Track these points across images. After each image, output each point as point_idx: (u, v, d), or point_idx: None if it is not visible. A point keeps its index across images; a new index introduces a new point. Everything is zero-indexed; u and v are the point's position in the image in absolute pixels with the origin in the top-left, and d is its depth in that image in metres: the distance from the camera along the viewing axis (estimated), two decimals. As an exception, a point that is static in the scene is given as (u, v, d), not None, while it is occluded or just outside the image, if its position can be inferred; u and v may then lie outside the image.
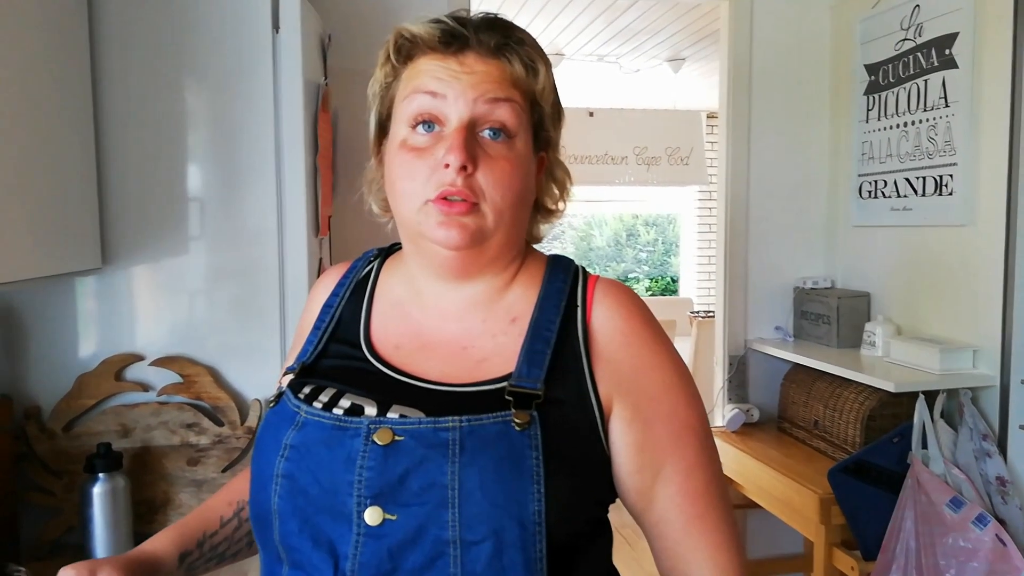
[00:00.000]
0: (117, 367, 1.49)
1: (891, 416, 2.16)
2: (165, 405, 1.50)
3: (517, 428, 0.70)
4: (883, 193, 2.50)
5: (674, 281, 8.33)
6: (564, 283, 0.82)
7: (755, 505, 2.52)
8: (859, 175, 2.60)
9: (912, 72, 2.36)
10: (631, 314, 0.80)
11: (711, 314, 4.71)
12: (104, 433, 1.47)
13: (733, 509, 0.83)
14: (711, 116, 6.05)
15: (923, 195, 2.33)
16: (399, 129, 0.78)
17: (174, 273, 1.52)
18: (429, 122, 0.76)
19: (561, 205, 0.87)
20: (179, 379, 1.51)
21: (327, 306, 0.87)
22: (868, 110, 2.56)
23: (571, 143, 4.82)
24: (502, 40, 0.77)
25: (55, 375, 1.49)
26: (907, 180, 2.39)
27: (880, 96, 2.51)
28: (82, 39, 1.42)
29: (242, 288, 1.54)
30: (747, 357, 2.73)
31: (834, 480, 2.02)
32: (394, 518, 0.69)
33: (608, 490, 0.79)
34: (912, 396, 2.08)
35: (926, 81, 2.31)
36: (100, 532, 1.37)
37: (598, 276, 0.84)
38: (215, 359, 1.54)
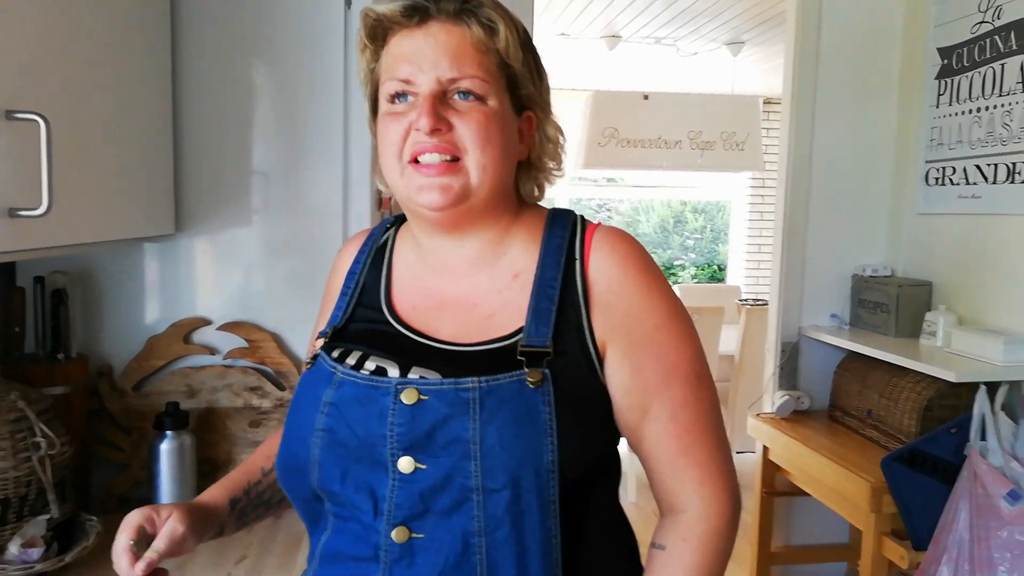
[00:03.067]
0: (186, 330, 1.54)
1: (950, 407, 2.12)
2: (230, 368, 1.55)
3: (531, 386, 0.76)
4: (951, 180, 2.43)
5: (721, 269, 8.22)
6: (563, 238, 0.86)
7: (801, 492, 2.50)
8: (927, 161, 2.53)
9: (988, 56, 2.29)
10: (624, 260, 0.84)
11: (760, 302, 4.65)
12: (172, 393, 1.52)
13: (726, 443, 0.86)
14: (768, 102, 5.93)
15: (994, 183, 2.26)
16: (382, 106, 0.84)
17: (242, 242, 1.56)
18: (404, 93, 0.81)
19: (552, 164, 0.90)
20: (244, 344, 1.55)
21: (351, 273, 0.93)
22: (939, 95, 2.48)
23: (624, 126, 4.80)
24: (461, 5, 0.81)
25: (126, 336, 1.55)
26: (977, 167, 2.32)
27: (953, 80, 2.43)
28: (164, 15, 1.46)
29: (306, 260, 1.58)
30: (800, 344, 2.69)
31: (887, 469, 1.99)
32: (424, 467, 0.76)
33: (615, 427, 0.85)
34: (972, 387, 2.03)
35: (1003, 65, 2.23)
36: (166, 487, 1.42)
37: (598, 224, 0.87)
38: (278, 326, 1.58)
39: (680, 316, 0.84)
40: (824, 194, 2.67)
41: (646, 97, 4.80)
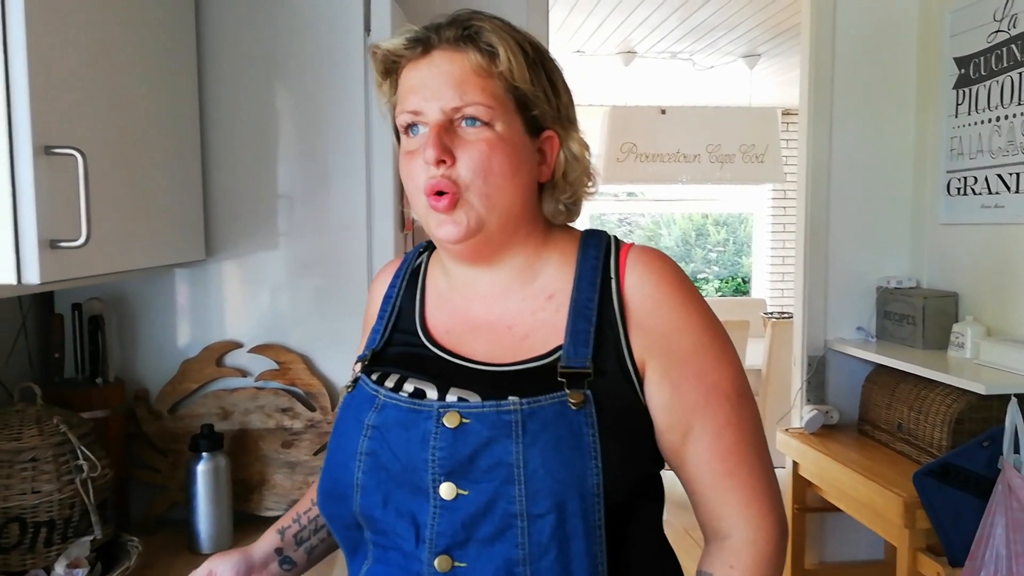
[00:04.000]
0: (218, 354, 1.58)
1: (981, 420, 2.09)
2: (262, 390, 1.58)
3: (573, 407, 0.76)
4: (973, 190, 2.42)
5: (745, 282, 8.18)
6: (597, 259, 0.86)
7: (833, 508, 2.47)
8: (947, 171, 2.52)
9: (1006, 65, 2.28)
10: (660, 278, 0.83)
11: (785, 315, 4.62)
12: (206, 415, 1.55)
13: (770, 463, 0.84)
14: (786, 113, 5.93)
15: (1016, 191, 2.25)
16: (401, 140, 0.86)
17: (269, 266, 1.60)
18: (414, 125, 0.82)
19: (585, 179, 0.89)
20: (275, 366, 1.58)
21: (387, 297, 0.94)
22: (958, 104, 2.48)
23: (642, 141, 4.82)
24: (461, 32, 0.82)
25: (161, 360, 1.58)
26: (999, 176, 2.31)
27: (971, 90, 2.43)
28: (190, 45, 1.51)
29: (332, 280, 1.61)
30: (826, 358, 2.68)
31: (920, 484, 1.97)
32: (466, 493, 0.76)
33: (657, 449, 0.84)
34: (1004, 399, 2.01)
35: (1020, 74, 2.22)
36: (203, 508, 1.44)
37: (632, 244, 0.87)
38: (307, 348, 1.61)
39: (718, 333, 0.84)
40: (845, 206, 2.67)
41: (663, 112, 4.82)
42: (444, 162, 0.79)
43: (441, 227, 0.81)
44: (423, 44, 0.82)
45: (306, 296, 1.61)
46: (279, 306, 1.61)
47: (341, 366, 1.61)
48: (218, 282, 1.60)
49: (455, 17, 0.83)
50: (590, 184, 0.90)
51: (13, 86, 0.92)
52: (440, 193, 0.80)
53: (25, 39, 0.92)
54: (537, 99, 0.84)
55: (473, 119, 0.80)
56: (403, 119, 0.83)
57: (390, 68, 0.86)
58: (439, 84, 0.80)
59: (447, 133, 0.80)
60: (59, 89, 1.01)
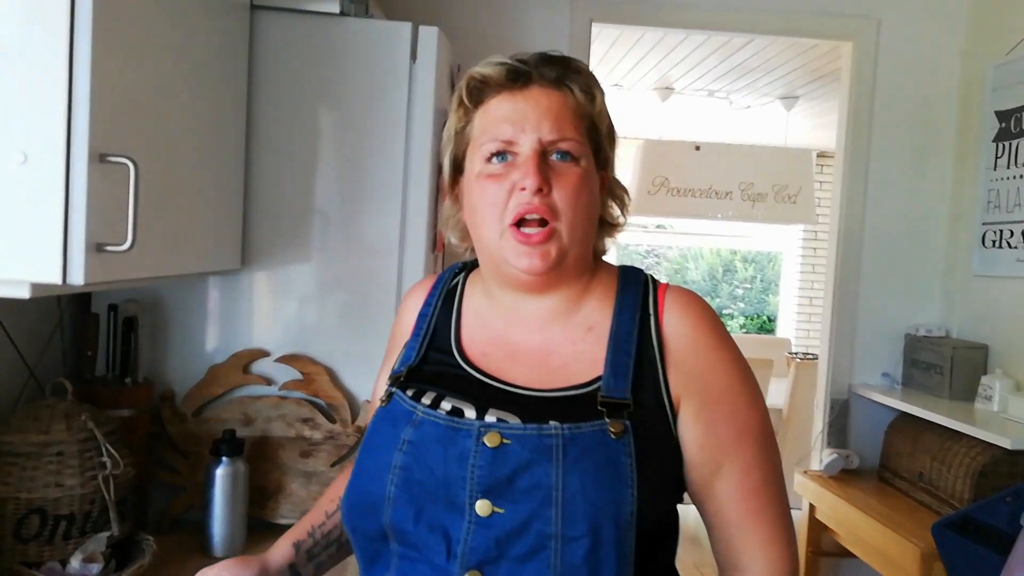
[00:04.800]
0: (245, 361, 1.61)
1: (1005, 475, 2.06)
2: (285, 399, 1.60)
3: (613, 436, 0.78)
4: (1008, 243, 2.39)
5: (771, 320, 8.11)
6: (636, 295, 0.88)
7: (848, 554, 2.44)
8: (983, 223, 2.50)
9: (1046, 119, 2.27)
10: (699, 319, 0.87)
11: (810, 356, 4.57)
12: (229, 420, 1.58)
13: (788, 504, 0.87)
14: (821, 155, 5.91)
15: (1052, 247, 2.23)
16: (475, 164, 0.87)
17: (301, 279, 1.63)
18: (503, 153, 0.84)
19: (621, 220, 0.95)
20: (299, 376, 1.61)
21: (422, 315, 0.95)
22: (997, 157, 2.46)
23: (675, 176, 4.83)
24: (561, 72, 0.87)
25: (189, 364, 1.62)
26: (1035, 230, 2.29)
27: (1011, 144, 2.41)
28: (242, 65, 1.55)
29: (362, 296, 1.63)
30: (850, 402, 2.65)
31: (938, 535, 1.93)
32: (502, 511, 0.77)
33: (682, 484, 0.86)
34: (1030, 456, 1.98)
35: (1061, 129, 2.21)
36: (219, 512, 1.46)
37: (668, 284, 0.90)
38: (332, 360, 1.63)
39: (749, 376, 0.87)
40: (877, 251, 2.65)
41: (697, 148, 4.83)
42: (541, 190, 0.82)
43: (524, 258, 0.83)
44: (523, 78, 0.86)
45: (334, 310, 1.64)
46: (307, 318, 1.64)
47: (364, 380, 1.63)
48: (249, 291, 1.63)
49: (552, 57, 0.88)
50: (622, 223, 0.95)
51: (75, 97, 0.96)
52: (533, 221, 0.82)
53: (90, 56, 0.96)
54: (606, 141, 0.90)
55: (566, 153, 0.84)
56: (492, 146, 0.85)
57: (473, 95, 0.88)
58: (538, 116, 0.84)
59: (542, 163, 0.83)
60: (117, 101, 1.05)
